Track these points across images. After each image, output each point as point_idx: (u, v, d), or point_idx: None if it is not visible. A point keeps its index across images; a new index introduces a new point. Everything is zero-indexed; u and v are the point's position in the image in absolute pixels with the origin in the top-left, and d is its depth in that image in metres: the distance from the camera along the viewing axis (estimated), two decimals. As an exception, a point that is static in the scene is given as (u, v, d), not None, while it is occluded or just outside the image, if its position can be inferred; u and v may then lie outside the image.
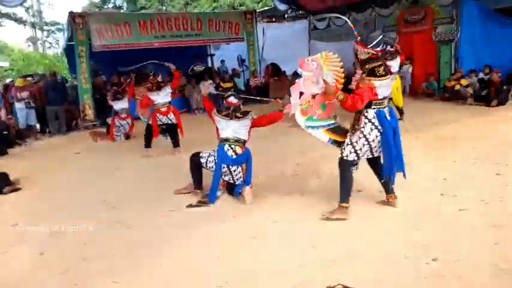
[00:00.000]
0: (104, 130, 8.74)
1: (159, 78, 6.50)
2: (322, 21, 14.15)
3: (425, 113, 8.04)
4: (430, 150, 5.36)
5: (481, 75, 9.33)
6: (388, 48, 6.98)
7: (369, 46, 3.31)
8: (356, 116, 3.41)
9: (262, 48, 13.58)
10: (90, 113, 10.18)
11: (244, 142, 4.22)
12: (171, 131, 6.42)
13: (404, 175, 3.54)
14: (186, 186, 4.56)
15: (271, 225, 3.46)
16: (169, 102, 6.38)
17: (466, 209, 3.41)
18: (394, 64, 7.20)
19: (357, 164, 3.59)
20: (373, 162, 3.64)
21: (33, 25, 28.51)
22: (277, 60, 13.01)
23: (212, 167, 4.17)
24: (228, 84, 11.85)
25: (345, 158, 3.44)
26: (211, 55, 14.17)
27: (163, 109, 6.26)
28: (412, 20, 10.81)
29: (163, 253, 3.13)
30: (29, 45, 29.98)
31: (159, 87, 6.32)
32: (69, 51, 11.31)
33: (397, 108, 7.19)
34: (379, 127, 3.32)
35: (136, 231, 3.60)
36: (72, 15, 10.04)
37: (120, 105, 8.03)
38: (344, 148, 3.43)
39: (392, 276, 2.57)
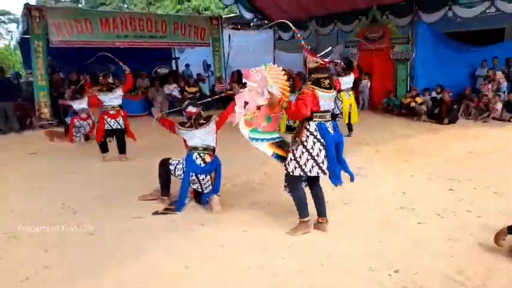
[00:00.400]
0: (62, 130, 8.34)
1: (110, 80, 6.28)
2: (287, 31, 14.46)
3: (384, 127, 8.44)
4: (389, 164, 5.63)
5: (433, 94, 9.96)
6: (340, 63, 7.35)
7: (317, 55, 3.33)
8: (298, 129, 3.38)
9: (228, 54, 13.65)
10: (46, 111, 9.69)
11: (214, 150, 4.22)
12: (119, 136, 6.20)
13: (351, 179, 3.56)
14: (152, 193, 4.48)
15: (240, 234, 3.48)
16: (120, 106, 6.15)
17: (424, 223, 3.62)
18: (347, 80, 7.54)
19: (305, 181, 3.52)
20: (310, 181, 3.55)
21: (-19, 13, 26.70)
22: (243, 67, 13.05)
23: (180, 175, 4.13)
24: (193, 89, 11.78)
25: (290, 173, 3.37)
26: (176, 58, 14.04)
27: (112, 112, 6.05)
28: (371, 37, 11.32)
29: (128, 262, 3.04)
30: (-25, 36, 28.02)
31: (109, 89, 6.10)
32: (24, 44, 10.71)
33: (348, 124, 7.50)
34: (322, 140, 3.28)
35: (99, 238, 3.49)
36: (28, 8, 9.55)
37: (79, 104, 7.70)
38: (288, 163, 3.37)
39: (357, 287, 2.69)
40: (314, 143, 3.28)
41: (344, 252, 3.12)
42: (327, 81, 3.28)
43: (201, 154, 4.11)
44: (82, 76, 9.58)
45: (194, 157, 4.07)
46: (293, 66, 7.25)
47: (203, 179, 4.15)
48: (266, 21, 15.21)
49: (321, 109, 3.28)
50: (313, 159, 3.28)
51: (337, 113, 7.21)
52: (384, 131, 8.02)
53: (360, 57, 11.71)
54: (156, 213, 4.02)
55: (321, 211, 3.50)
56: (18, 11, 28.52)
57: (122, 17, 10.92)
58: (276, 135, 3.56)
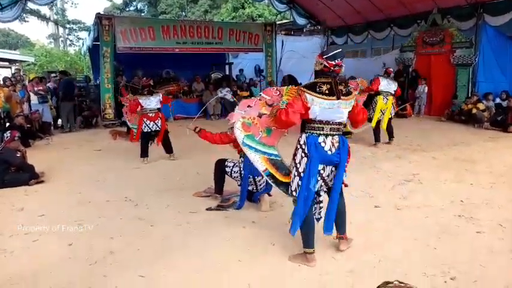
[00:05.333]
0: (124, 129, 8.89)
1: (151, 82, 6.51)
2: (341, 36, 14.33)
3: (441, 133, 8.09)
4: (446, 171, 5.40)
5: (497, 100, 9.35)
6: (391, 70, 7.06)
7: (324, 56, 2.87)
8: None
9: (280, 59, 13.78)
10: (110, 112, 10.44)
11: None
12: (163, 138, 6.37)
13: (325, 229, 2.98)
14: (206, 190, 4.67)
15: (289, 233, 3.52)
16: (159, 109, 6.33)
17: (484, 232, 3.45)
18: (390, 82, 7.07)
19: (318, 211, 3.11)
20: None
21: (56, 22, 29.17)
22: (294, 72, 13.22)
23: (237, 177, 4.27)
24: (245, 93, 12.04)
25: (294, 194, 2.95)
26: (230, 63, 14.40)
27: (151, 114, 6.23)
28: (430, 41, 10.91)
29: (186, 252, 3.22)
30: (50, 42, 30.71)
31: (150, 92, 6.30)
32: (94, 51, 11.61)
33: (388, 131, 7.14)
34: (309, 155, 2.85)
35: (159, 229, 3.71)
36: (99, 17, 10.32)
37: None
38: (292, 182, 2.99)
39: (411, 291, 2.63)
40: (302, 157, 2.88)
41: (397, 257, 3.06)
42: (327, 86, 2.80)
43: None
44: (143, 79, 10.12)
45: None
46: (346, 71, 7.17)
47: (259, 180, 4.24)
48: (319, 27, 15.20)
49: (313, 117, 2.82)
50: (299, 175, 2.90)
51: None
52: (441, 137, 7.69)
53: (418, 61, 11.37)
54: (209, 209, 4.19)
55: (340, 226, 3.13)
56: (87, 19, 30.80)
57: (182, 24, 11.47)
58: (273, 151, 3.20)
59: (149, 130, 6.27)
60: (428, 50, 11.00)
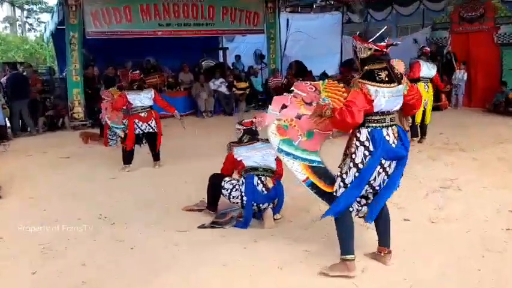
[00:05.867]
0: (97, 132, 8.93)
1: (142, 76, 6.60)
2: (359, 13, 14.34)
3: (484, 129, 8.09)
4: (490, 174, 5.40)
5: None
6: (427, 48, 7.00)
7: (369, 40, 2.96)
8: (349, 138, 3.14)
9: (286, 42, 13.80)
10: (79, 110, 10.46)
11: (274, 172, 4.31)
12: (151, 141, 6.43)
13: (367, 217, 3.20)
14: (197, 204, 4.70)
15: (300, 254, 3.52)
16: (151, 107, 6.35)
17: (538, 249, 3.45)
18: (430, 68, 6.97)
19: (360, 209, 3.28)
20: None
21: (12, 3, 29.25)
22: (302, 57, 13.20)
23: (237, 203, 4.29)
24: (243, 84, 12.10)
25: (334, 193, 3.15)
26: (224, 49, 14.44)
27: (143, 114, 6.25)
28: (468, 17, 10.92)
29: (174, 280, 3.20)
30: (5, 27, 30.79)
31: (140, 87, 6.31)
32: (58, 37, 11.64)
33: (421, 126, 7.19)
34: (373, 152, 2.99)
35: (141, 253, 3.71)
36: (64, -5, 10.37)
37: None
38: (336, 181, 3.16)
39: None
40: (365, 156, 3.00)
41: (431, 280, 3.06)
42: (385, 72, 2.94)
43: (262, 178, 4.22)
44: (120, 71, 10.19)
45: (255, 183, 4.18)
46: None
47: (265, 208, 4.26)
48: (332, 2, 15.22)
49: (378, 110, 2.96)
50: (359, 171, 3.03)
51: None
52: (483, 134, 7.68)
53: (453, 42, 11.37)
54: (202, 226, 4.20)
55: (383, 239, 3.27)
56: (51, -1, 30.86)
57: (165, 3, 11.42)
58: (315, 157, 3.29)
59: (140, 133, 6.28)
60: (466, 28, 11.03)
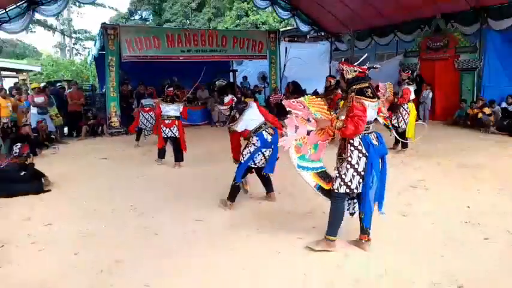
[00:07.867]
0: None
1: (176, 92, 6.72)
2: (344, 42, 14.33)
3: (447, 139, 8.01)
4: (452, 177, 5.36)
5: (503, 104, 9.29)
6: (408, 71, 6.97)
7: (355, 64, 3.13)
8: (341, 144, 3.18)
9: (284, 66, 13.82)
10: (116, 120, 10.52)
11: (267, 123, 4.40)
12: (174, 144, 6.52)
13: (379, 207, 3.32)
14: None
15: (295, 241, 3.50)
16: (177, 117, 6.47)
17: (492, 239, 3.41)
18: (412, 90, 6.92)
19: (353, 206, 3.39)
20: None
21: (62, 32, 29.47)
22: (298, 78, 13.20)
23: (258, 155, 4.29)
24: (250, 99, 12.03)
25: (335, 190, 3.20)
26: (234, 71, 14.45)
27: (167, 121, 6.41)
28: (434, 46, 10.89)
29: (191, 261, 3.21)
30: (56, 51, 31.01)
31: (172, 100, 6.49)
32: (99, 60, 11.72)
33: (404, 138, 6.93)
34: (367, 154, 3.09)
35: (164, 238, 3.71)
36: (104, 27, 10.44)
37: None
38: (334, 181, 3.22)
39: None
40: (359, 158, 3.09)
41: (404, 266, 3.03)
42: (370, 90, 3.08)
43: (266, 130, 4.30)
44: (149, 88, 10.22)
45: (265, 135, 4.25)
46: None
47: (268, 155, 4.29)
48: (323, 33, 15.23)
49: (367, 120, 3.08)
50: (359, 175, 3.12)
51: (401, 125, 6.77)
52: (447, 143, 7.62)
53: (422, 67, 11.33)
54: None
55: (362, 227, 3.31)
56: (93, 29, 31.09)
57: (186, 32, 11.57)
58: (319, 164, 3.40)
59: (165, 136, 6.49)
60: (432, 55, 10.99)
